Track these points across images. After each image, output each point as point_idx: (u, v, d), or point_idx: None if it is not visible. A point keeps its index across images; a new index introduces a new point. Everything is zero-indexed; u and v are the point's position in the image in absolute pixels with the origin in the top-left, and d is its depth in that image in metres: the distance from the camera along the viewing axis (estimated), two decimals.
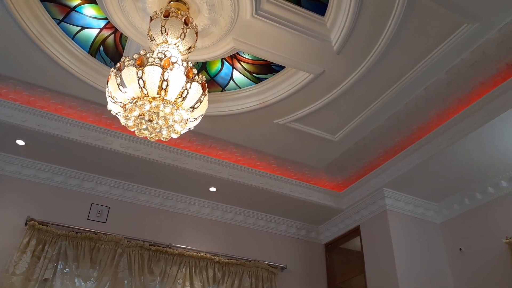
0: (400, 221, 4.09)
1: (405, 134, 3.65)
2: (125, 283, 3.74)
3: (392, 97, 3.24)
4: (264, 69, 3.24)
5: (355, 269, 4.51)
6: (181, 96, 2.12)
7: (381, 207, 4.13)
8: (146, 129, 2.18)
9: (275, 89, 3.34)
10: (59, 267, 3.58)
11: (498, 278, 3.49)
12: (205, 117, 3.43)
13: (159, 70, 2.07)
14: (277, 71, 3.24)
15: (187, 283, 3.94)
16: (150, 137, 2.24)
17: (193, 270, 4.04)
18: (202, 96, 2.21)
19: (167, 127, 2.16)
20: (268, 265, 4.40)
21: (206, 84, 2.29)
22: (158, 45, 2.40)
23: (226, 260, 4.23)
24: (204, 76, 2.30)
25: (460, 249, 3.96)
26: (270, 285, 4.31)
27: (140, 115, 2.14)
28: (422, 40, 2.75)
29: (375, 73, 3.05)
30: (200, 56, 3.01)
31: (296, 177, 4.43)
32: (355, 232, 4.50)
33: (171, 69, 2.08)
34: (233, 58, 3.16)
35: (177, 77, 2.09)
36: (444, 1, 2.45)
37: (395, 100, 3.27)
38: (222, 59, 3.16)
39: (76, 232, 3.72)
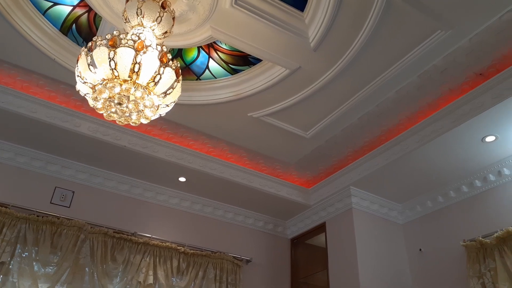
0: (365, 219, 4.18)
1: (374, 134, 3.72)
2: (86, 270, 3.66)
3: (364, 98, 3.29)
4: (240, 61, 3.22)
5: (319, 264, 4.58)
6: (153, 81, 2.08)
7: (347, 205, 4.21)
8: (115, 112, 2.13)
9: (251, 81, 3.33)
10: (17, 250, 3.45)
11: (454, 279, 3.63)
12: (178, 105, 3.39)
13: (132, 52, 2.02)
14: (254, 64, 3.23)
15: (151, 272, 3.90)
16: (119, 121, 2.18)
17: (157, 259, 4.00)
18: (175, 83, 2.18)
19: (137, 112, 2.11)
20: (234, 257, 4.41)
21: (180, 71, 2.25)
22: (133, 27, 2.34)
23: (192, 251, 4.20)
24: (178, 63, 2.26)
25: (420, 249, 4.09)
26: (234, 277, 4.33)
27: (109, 97, 2.08)
28: (397, 43, 2.80)
29: (349, 73, 3.09)
30: (176, 43, 2.96)
31: (267, 171, 4.45)
32: (321, 228, 4.57)
33: (144, 52, 2.04)
34: (210, 47, 3.12)
35: (150, 60, 2.04)
36: (420, 6, 2.50)
37: (367, 101, 3.33)
38: (198, 47, 3.12)
39: (38, 216, 3.60)
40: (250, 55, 3.12)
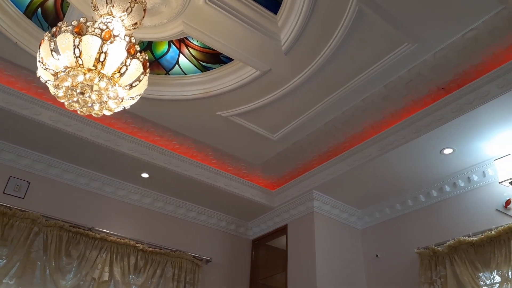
0: (325, 223, 4.25)
1: (339, 141, 3.79)
2: (38, 264, 3.51)
3: (331, 104, 3.35)
4: (211, 58, 3.19)
5: (278, 266, 4.61)
6: (119, 72, 2.02)
7: (309, 209, 4.26)
8: (77, 102, 2.05)
9: (221, 80, 3.31)
10: None
11: (407, 285, 3.74)
12: (145, 99, 3.33)
13: (99, 41, 1.96)
14: (225, 63, 3.22)
15: (106, 269, 3.79)
16: (81, 111, 2.11)
17: (114, 256, 3.89)
18: (142, 75, 2.13)
19: (100, 103, 2.05)
20: (194, 257, 4.36)
21: (148, 64, 2.20)
22: (101, 15, 2.26)
23: (151, 249, 4.12)
24: (147, 56, 2.21)
25: (377, 255, 4.20)
26: (193, 276, 4.28)
27: (72, 86, 2.00)
28: (365, 52, 2.87)
29: (318, 78, 3.13)
30: (146, 35, 2.90)
31: (232, 171, 4.44)
32: (282, 230, 4.60)
33: (111, 42, 1.98)
34: (181, 42, 3.08)
35: (117, 51, 1.99)
36: (390, 18, 2.58)
37: (334, 107, 3.39)
38: (169, 42, 3.07)
39: None
40: (221, 54, 3.10)
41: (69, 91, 2.02)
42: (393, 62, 2.90)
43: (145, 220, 4.36)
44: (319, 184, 4.13)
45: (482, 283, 3.18)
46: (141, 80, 2.14)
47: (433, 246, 3.52)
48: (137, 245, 4.04)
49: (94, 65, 1.99)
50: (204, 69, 3.28)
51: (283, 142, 3.91)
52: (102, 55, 1.96)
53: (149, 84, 3.21)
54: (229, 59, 3.16)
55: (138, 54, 2.12)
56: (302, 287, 3.97)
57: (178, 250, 4.29)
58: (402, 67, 2.95)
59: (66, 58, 1.99)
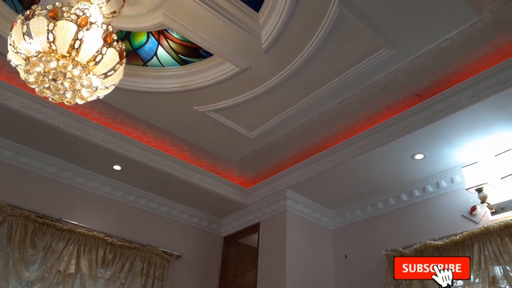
0: (297, 223, 4.28)
1: (314, 141, 3.82)
2: (1, 254, 3.39)
3: (308, 105, 3.37)
4: (191, 52, 3.16)
5: (249, 264, 4.62)
6: (94, 60, 1.98)
7: (282, 207, 4.28)
8: (49, 88, 1.99)
9: (200, 75, 3.27)
10: None
11: (375, 286, 3.81)
12: (121, 90, 3.26)
13: (74, 27, 1.91)
14: (204, 57, 3.19)
15: (73, 262, 3.70)
16: (52, 98, 2.04)
17: (82, 248, 3.81)
18: (118, 65, 2.08)
19: (73, 91, 1.99)
20: (164, 252, 4.31)
21: (124, 54, 2.16)
22: (78, 1, 2.20)
23: (120, 243, 4.05)
24: (124, 45, 2.17)
25: (346, 256, 4.27)
26: (162, 272, 4.24)
27: (44, 72, 1.94)
28: (344, 55, 2.90)
29: (297, 79, 3.14)
30: (125, 25, 2.84)
31: (207, 167, 4.41)
32: (255, 228, 4.61)
33: (87, 29, 1.93)
34: (161, 34, 3.03)
35: (93, 38, 1.94)
36: (370, 23, 2.61)
37: (310, 108, 3.41)
38: (148, 33, 3.02)
39: None
40: (201, 48, 3.07)
41: (41, 77, 1.96)
42: (370, 67, 2.94)
43: (116, 213, 4.28)
44: (293, 183, 4.16)
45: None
46: (116, 70, 2.10)
47: (401, 249, 3.60)
48: (106, 238, 3.96)
49: (68, 52, 1.94)
50: (182, 62, 3.24)
51: (260, 140, 3.92)
52: (77, 42, 1.91)
53: (125, 74, 3.13)
54: (209, 54, 3.13)
55: (115, 43, 2.08)
56: (272, 285, 4.00)
57: (148, 244, 4.24)
58: (379, 72, 2.99)
59: (38, 43, 1.93)
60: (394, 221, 3.97)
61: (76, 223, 3.86)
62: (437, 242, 3.38)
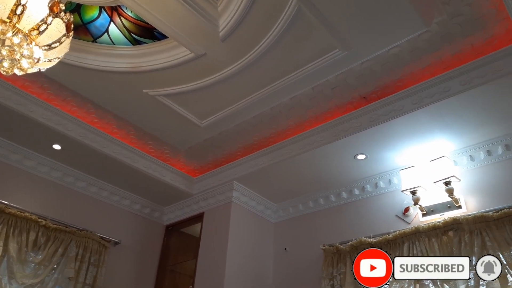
0: (241, 214, 4.31)
1: (264, 135, 3.86)
2: None
3: (261, 98, 3.39)
4: (145, 32, 3.05)
5: (190, 253, 4.59)
6: (37, 30, 1.85)
7: (227, 198, 4.29)
8: None
9: (152, 57, 3.18)
10: None
11: (310, 279, 3.94)
12: (66, 65, 3.09)
13: None
14: (159, 39, 3.10)
15: (0, 243, 3.47)
16: None
17: (12, 230, 3.58)
18: (64, 37, 1.97)
19: (11, 60, 1.85)
20: (101, 237, 4.17)
21: (72, 26, 2.04)
22: None
23: (54, 225, 3.86)
24: (72, 18, 2.05)
25: (285, 248, 4.37)
26: (98, 258, 4.10)
27: None
28: (299, 52, 2.94)
29: (251, 71, 3.14)
30: None
31: (154, 153, 4.30)
32: (198, 218, 4.58)
33: None
34: (114, 10, 2.90)
35: (37, 5, 1.81)
36: (326, 22, 2.66)
37: (263, 102, 3.43)
38: (100, 8, 2.88)
39: None
40: (155, 29, 2.97)
41: None
42: (323, 66, 3.00)
43: (52, 195, 4.07)
44: (241, 175, 4.18)
45: None
46: (62, 43, 1.98)
47: (337, 244, 3.74)
48: (39, 220, 3.76)
49: (8, 17, 1.80)
50: (135, 42, 3.13)
51: (210, 130, 3.88)
52: (20, 8, 1.78)
53: (72, 49, 2.99)
54: (163, 36, 3.05)
55: (62, 14, 1.96)
56: (211, 274, 4.00)
57: (85, 229, 4.07)
58: (330, 72, 3.07)
59: None
60: (333, 217, 4.12)
61: (7, 202, 3.61)
62: (371, 240, 3.56)
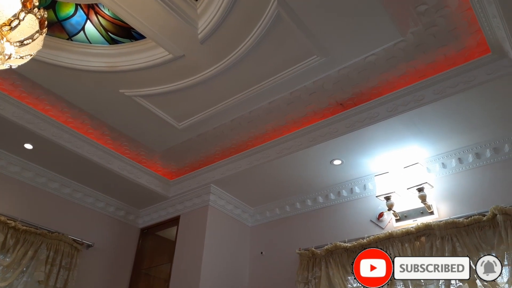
0: (218, 218, 4.29)
1: (242, 139, 3.86)
2: None
3: (240, 102, 3.39)
4: (122, 32, 3.01)
5: (165, 257, 4.53)
6: (9, 25, 1.79)
7: (204, 202, 4.26)
8: None
9: (130, 57, 3.13)
10: None
11: (286, 283, 3.93)
12: (39, 62, 3.02)
13: None
14: (136, 39, 3.06)
15: None
16: None
17: None
18: (37, 34, 1.92)
19: None
20: (74, 240, 4.07)
21: (46, 23, 1.99)
22: None
23: (24, 227, 3.74)
24: (46, 14, 2.00)
25: (262, 252, 4.36)
26: (70, 261, 3.99)
27: None
28: (278, 57, 2.96)
29: (230, 74, 3.14)
30: None
31: (129, 155, 4.24)
32: (174, 221, 4.53)
33: None
34: (91, 8, 2.85)
35: (9, 0, 1.76)
36: (305, 28, 2.69)
37: (242, 105, 3.43)
38: (77, 5, 2.82)
39: None
40: (133, 29, 2.94)
41: None
42: (301, 72, 3.03)
43: (23, 196, 3.95)
44: (218, 178, 4.16)
45: (350, 285, 3.49)
46: (34, 39, 1.93)
47: (313, 248, 3.76)
48: (8, 221, 3.64)
49: None
50: (112, 41, 3.08)
51: (188, 132, 3.85)
52: None
53: (46, 46, 2.95)
54: (141, 36, 3.01)
55: (36, 9, 1.90)
56: (186, 278, 3.96)
57: (57, 231, 3.97)
58: (308, 78, 3.10)
59: None
60: (310, 222, 4.15)
61: None
62: (346, 244, 3.59)
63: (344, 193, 3.98)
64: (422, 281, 3.08)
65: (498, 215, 2.89)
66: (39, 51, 2.11)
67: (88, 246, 4.27)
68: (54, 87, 3.35)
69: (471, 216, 3.04)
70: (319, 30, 2.70)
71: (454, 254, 3.00)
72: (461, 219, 3.07)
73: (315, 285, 3.62)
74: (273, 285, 4.07)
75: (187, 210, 4.43)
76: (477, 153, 3.33)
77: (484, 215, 2.99)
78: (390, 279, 3.20)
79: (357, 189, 3.91)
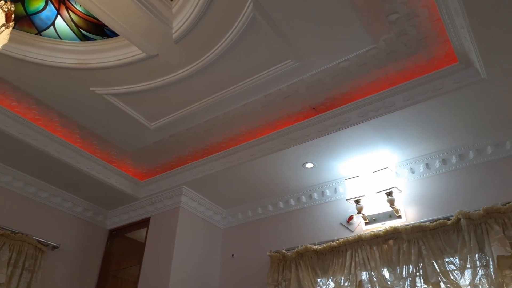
0: (189, 220, 4.24)
1: (216, 140, 3.84)
2: None
3: (214, 103, 3.37)
4: (94, 29, 2.94)
5: (134, 259, 4.44)
6: None
7: (176, 203, 4.21)
8: None
9: (101, 54, 3.06)
10: None
11: (257, 285, 3.95)
12: (6, 57, 2.92)
13: None
14: (109, 37, 2.99)
15: None
16: None
17: None
18: (3, 28, 1.85)
19: None
20: (38, 241, 3.93)
21: (13, 16, 1.92)
22: None
23: None
24: (14, 7, 1.93)
25: (233, 255, 4.35)
26: (34, 263, 3.85)
27: None
28: (252, 60, 2.96)
29: (205, 75, 3.12)
30: None
31: (99, 154, 4.13)
32: (144, 223, 4.45)
33: None
34: (62, 3, 2.77)
35: None
36: (279, 32, 2.70)
37: (216, 107, 3.42)
38: None
39: None
40: (106, 26, 2.87)
41: None
42: (276, 75, 3.04)
43: None
44: (190, 180, 4.12)
45: (319, 287, 3.53)
46: (0, 33, 1.85)
47: (284, 251, 3.78)
48: None
49: None
50: (83, 38, 3.00)
51: (160, 133, 3.80)
52: None
53: (14, 41, 2.86)
54: (114, 34, 2.95)
55: (2, 2, 1.84)
56: (155, 280, 3.89)
57: (20, 232, 3.82)
58: (283, 81, 3.12)
59: None
60: (281, 224, 4.17)
61: None
62: (316, 247, 3.63)
63: (316, 196, 4.02)
64: (389, 282, 3.16)
65: (462, 220, 3.00)
66: (5, 45, 2.04)
67: (54, 247, 4.13)
68: (21, 83, 3.23)
69: (436, 220, 3.14)
70: (294, 34, 2.73)
71: (419, 257, 3.09)
72: (427, 223, 3.16)
73: (285, 287, 3.64)
74: (244, 285, 4.07)
75: (158, 211, 4.36)
76: (443, 159, 3.44)
77: (448, 219, 3.09)
78: (359, 280, 3.28)
79: (328, 192, 3.96)
